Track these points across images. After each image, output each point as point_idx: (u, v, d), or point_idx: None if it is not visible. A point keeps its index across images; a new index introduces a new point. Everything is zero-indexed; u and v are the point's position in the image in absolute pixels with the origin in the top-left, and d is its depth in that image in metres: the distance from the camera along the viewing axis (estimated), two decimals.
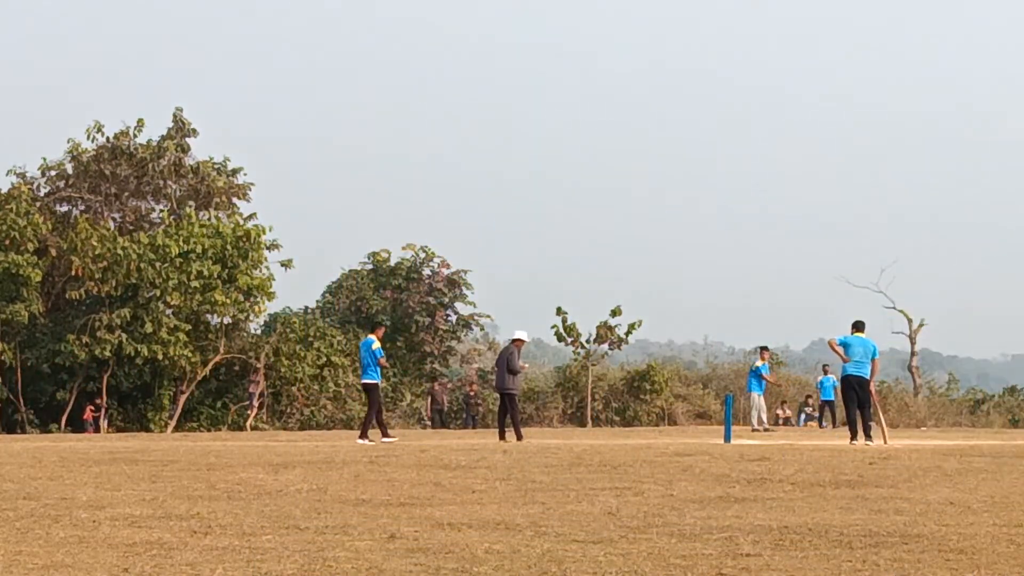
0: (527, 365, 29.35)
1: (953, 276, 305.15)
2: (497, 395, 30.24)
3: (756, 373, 38.90)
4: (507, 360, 27.64)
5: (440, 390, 51.10)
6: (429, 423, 49.59)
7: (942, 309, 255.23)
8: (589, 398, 51.33)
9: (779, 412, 50.43)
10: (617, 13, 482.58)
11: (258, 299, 44.92)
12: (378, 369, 27.17)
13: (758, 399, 38.42)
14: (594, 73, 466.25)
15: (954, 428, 48.05)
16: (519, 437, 26.90)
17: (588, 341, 52.07)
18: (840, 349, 25.35)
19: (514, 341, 28.16)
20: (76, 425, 43.02)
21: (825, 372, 46.96)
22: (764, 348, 41.29)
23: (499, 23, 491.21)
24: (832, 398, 44.27)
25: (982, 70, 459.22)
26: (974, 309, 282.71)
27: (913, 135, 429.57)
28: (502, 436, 27.20)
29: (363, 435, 26.45)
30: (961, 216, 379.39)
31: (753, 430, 36.76)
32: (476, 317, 57.22)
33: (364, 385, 28.19)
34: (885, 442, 25.17)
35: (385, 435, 27.08)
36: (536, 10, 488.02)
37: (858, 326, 25.74)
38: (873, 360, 25.35)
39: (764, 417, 38.86)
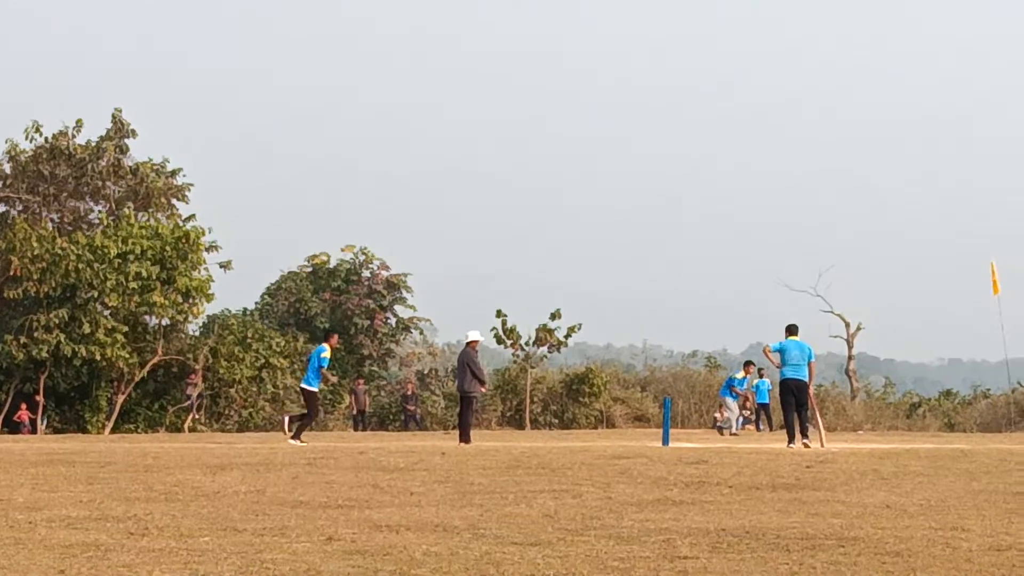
0: (485, 368, 29.32)
1: (889, 280, 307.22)
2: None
3: (730, 384, 39.89)
4: (469, 364, 27.60)
5: (361, 390, 49.45)
6: (353, 423, 48.61)
7: (879, 313, 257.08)
8: (528, 401, 51.30)
9: (716, 416, 50.73)
10: (575, 19, 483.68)
11: (196, 300, 44.70)
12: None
13: (733, 403, 39.40)
14: (560, 76, 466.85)
15: (891, 432, 48.36)
16: (466, 440, 26.89)
17: (527, 344, 52.08)
18: (775, 356, 25.53)
19: (470, 343, 28.05)
20: (12, 426, 42.70)
21: (760, 375, 47.29)
22: (749, 363, 42.02)
23: (433, 22, 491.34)
24: (767, 401, 44.63)
25: (923, 78, 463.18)
26: (910, 313, 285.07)
27: (849, 142, 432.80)
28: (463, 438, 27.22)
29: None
30: (897, 221, 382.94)
31: (732, 434, 37.69)
32: (415, 320, 57.21)
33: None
34: (822, 445, 25.35)
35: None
36: (480, 12, 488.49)
37: (791, 330, 25.89)
38: (810, 363, 25.55)
39: (734, 420, 39.71)
